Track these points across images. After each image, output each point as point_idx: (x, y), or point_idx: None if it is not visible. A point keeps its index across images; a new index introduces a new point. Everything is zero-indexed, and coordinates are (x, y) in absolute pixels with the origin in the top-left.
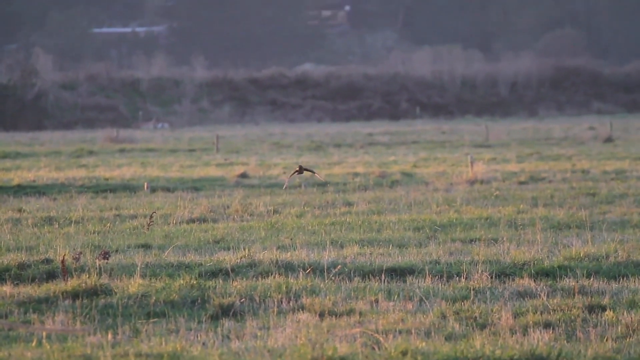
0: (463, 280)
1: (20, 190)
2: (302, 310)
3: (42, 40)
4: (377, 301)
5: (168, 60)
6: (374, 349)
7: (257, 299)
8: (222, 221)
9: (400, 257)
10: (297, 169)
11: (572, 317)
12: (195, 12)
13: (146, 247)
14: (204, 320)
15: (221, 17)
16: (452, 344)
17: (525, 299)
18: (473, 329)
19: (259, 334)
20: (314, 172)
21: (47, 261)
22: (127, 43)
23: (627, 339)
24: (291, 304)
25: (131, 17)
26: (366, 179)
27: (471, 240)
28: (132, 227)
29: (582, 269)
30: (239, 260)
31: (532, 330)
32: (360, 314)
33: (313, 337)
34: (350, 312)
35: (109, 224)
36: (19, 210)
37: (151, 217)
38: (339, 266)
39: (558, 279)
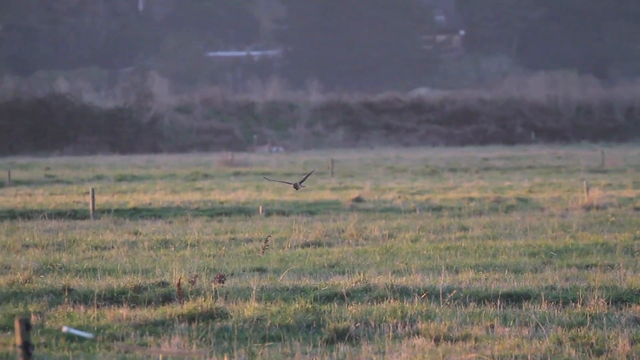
0: (579, 306)
1: (137, 213)
2: (418, 335)
3: (158, 63)
4: (492, 326)
5: (283, 83)
6: None
7: (373, 323)
8: (337, 245)
9: (515, 283)
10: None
11: None
12: (310, 36)
13: (261, 270)
14: (319, 344)
15: (336, 41)
16: None
17: None
18: (589, 355)
19: (374, 358)
20: (302, 183)
21: (163, 284)
22: (242, 67)
23: None
24: (406, 328)
25: (246, 41)
26: (481, 204)
27: (587, 266)
28: (247, 251)
29: None
30: (354, 285)
31: None
32: (476, 339)
33: None
34: (465, 338)
35: (224, 248)
36: (135, 233)
37: (266, 240)
38: (454, 291)
39: None
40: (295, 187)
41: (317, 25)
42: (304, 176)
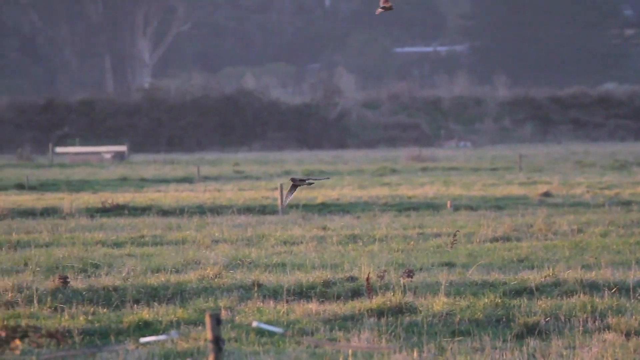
0: None
1: (325, 208)
2: (608, 330)
3: (345, 59)
4: None
5: (469, 79)
6: None
7: (562, 318)
8: (525, 240)
9: None
10: (292, 184)
11: None
12: (497, 31)
13: (450, 265)
14: (509, 339)
15: (522, 36)
16: None
17: None
18: None
19: (564, 353)
20: (307, 180)
21: (352, 279)
22: (428, 62)
23: None
24: (597, 323)
25: (433, 36)
26: None
27: None
28: (435, 246)
29: None
30: (543, 279)
31: None
32: None
33: (620, 358)
34: None
35: (412, 242)
36: (324, 228)
37: (455, 235)
38: None
39: None
40: (295, 183)
41: (503, 20)
42: (310, 178)
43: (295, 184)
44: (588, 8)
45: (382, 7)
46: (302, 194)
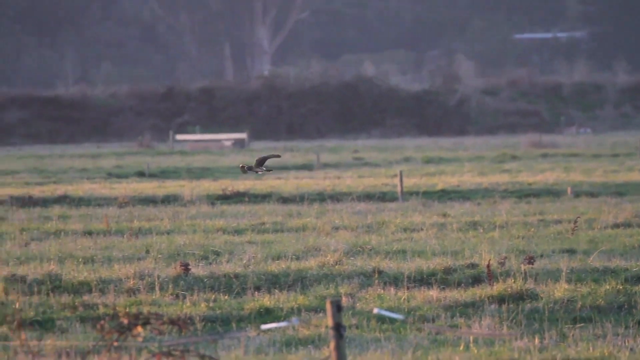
0: None
1: (445, 195)
2: None
3: (464, 46)
4: None
5: (589, 65)
6: None
7: None
8: None
9: None
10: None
11: None
12: (617, 16)
13: (571, 252)
14: (631, 325)
15: None
16: None
17: None
18: None
19: None
20: (265, 160)
21: (473, 266)
22: (548, 48)
23: None
24: None
25: (552, 22)
26: None
27: None
28: (556, 232)
29: None
30: None
31: None
32: None
33: None
34: None
35: (532, 229)
36: (444, 215)
37: (576, 222)
38: None
39: None
40: (244, 170)
41: (623, 5)
42: (262, 158)
43: (244, 172)
44: None
45: None
46: (422, 181)
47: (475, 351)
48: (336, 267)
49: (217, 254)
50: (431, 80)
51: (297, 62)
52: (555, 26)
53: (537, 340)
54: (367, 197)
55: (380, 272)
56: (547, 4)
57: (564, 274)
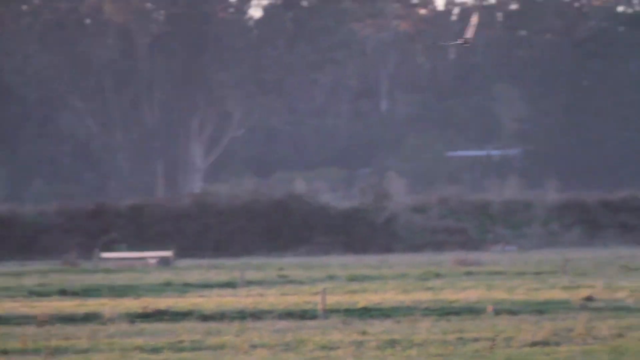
0: None
1: (366, 312)
2: None
3: (397, 163)
4: None
5: (521, 183)
6: None
7: None
8: (564, 344)
9: None
10: None
11: None
12: (552, 135)
13: None
14: None
15: (577, 139)
16: None
17: None
18: None
19: None
20: None
21: None
22: (481, 166)
23: None
24: None
25: (487, 140)
26: None
27: None
28: (473, 350)
29: None
30: None
31: None
32: None
33: None
34: None
35: (451, 347)
36: (363, 333)
37: (493, 340)
38: None
39: None
40: None
41: (559, 124)
42: None
43: None
44: None
45: (462, 40)
46: (344, 299)
47: None
48: None
49: None
50: (361, 198)
51: (229, 179)
52: (490, 144)
53: None
54: (289, 314)
55: None
56: (482, 121)
57: None
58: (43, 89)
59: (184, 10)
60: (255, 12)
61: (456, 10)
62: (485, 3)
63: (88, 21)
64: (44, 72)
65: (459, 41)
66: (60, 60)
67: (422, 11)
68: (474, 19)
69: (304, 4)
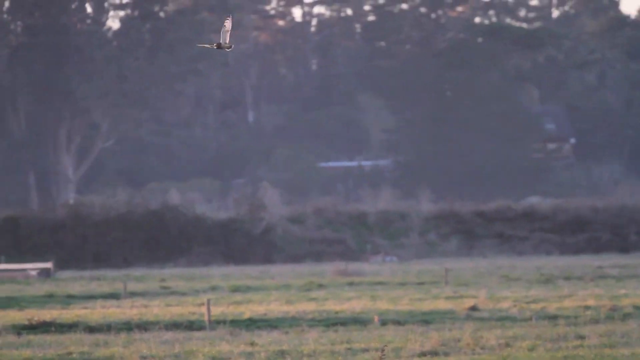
0: None
1: (252, 323)
2: None
3: (269, 174)
4: None
5: (394, 193)
6: None
7: None
8: (453, 354)
9: None
10: None
11: None
12: (421, 145)
13: None
14: None
15: (446, 150)
16: None
17: None
18: None
19: None
20: None
21: None
22: (353, 177)
23: None
24: None
25: (356, 151)
26: (597, 312)
27: None
28: None
29: None
30: None
31: None
32: None
33: None
34: None
35: (340, 358)
36: (252, 344)
37: (383, 350)
38: None
39: None
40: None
41: (427, 135)
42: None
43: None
44: (511, 122)
45: (216, 45)
46: (229, 309)
47: None
48: None
49: None
50: (237, 208)
51: (102, 190)
52: (360, 154)
53: None
54: (175, 325)
55: None
56: (350, 132)
57: None
58: None
59: (41, 22)
60: (113, 24)
61: (314, 22)
62: (342, 14)
63: None
64: None
65: (214, 46)
66: None
67: (280, 22)
68: (228, 24)
69: (161, 15)
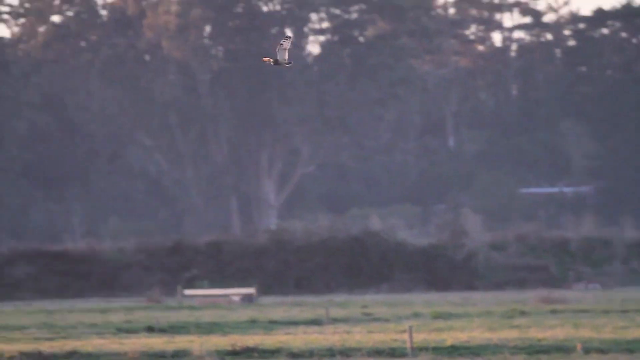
0: None
1: (454, 350)
2: None
3: (470, 200)
4: None
5: (596, 220)
6: None
7: None
8: None
9: None
10: None
11: None
12: (623, 172)
13: None
14: None
15: None
16: None
17: None
18: None
19: None
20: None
21: None
22: (554, 203)
23: None
24: None
25: (558, 177)
26: None
27: None
28: None
29: None
30: None
31: None
32: None
33: None
34: None
35: None
36: None
37: None
38: None
39: None
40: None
41: (630, 161)
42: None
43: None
44: None
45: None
46: (431, 336)
47: None
48: None
49: None
50: (438, 234)
51: (303, 215)
52: (561, 181)
53: None
54: (377, 352)
55: None
56: (552, 159)
57: None
58: (109, 125)
59: (242, 47)
60: (313, 49)
61: (514, 47)
62: (542, 39)
63: (147, 57)
64: (108, 109)
65: (272, 62)
66: (123, 96)
67: (480, 47)
68: (286, 43)
69: (361, 39)
